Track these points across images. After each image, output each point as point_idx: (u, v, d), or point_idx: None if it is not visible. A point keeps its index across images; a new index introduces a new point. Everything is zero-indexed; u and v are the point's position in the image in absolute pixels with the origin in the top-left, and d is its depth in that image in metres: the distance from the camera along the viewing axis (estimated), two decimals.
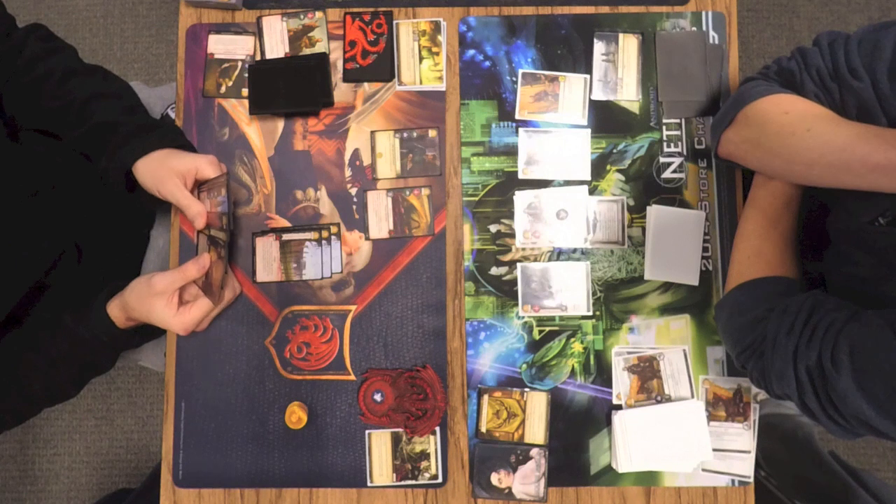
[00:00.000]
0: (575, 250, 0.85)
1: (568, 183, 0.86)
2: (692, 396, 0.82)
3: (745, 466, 0.81)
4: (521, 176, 0.86)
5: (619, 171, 0.86)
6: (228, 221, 0.79)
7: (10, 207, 0.76)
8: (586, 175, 0.86)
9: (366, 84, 0.88)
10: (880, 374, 0.55)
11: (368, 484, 0.83)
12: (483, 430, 0.83)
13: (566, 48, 0.87)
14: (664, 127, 0.86)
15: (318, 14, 0.89)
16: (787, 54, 0.74)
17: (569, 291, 0.84)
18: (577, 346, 0.84)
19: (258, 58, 0.88)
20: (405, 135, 0.87)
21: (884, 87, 0.62)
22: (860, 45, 0.65)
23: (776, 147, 0.67)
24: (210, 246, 0.80)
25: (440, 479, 0.83)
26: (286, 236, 0.86)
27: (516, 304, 0.84)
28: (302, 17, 0.88)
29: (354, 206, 0.87)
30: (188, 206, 0.78)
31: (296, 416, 0.81)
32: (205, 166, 0.79)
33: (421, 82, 0.88)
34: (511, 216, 0.86)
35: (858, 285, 0.67)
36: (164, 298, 0.76)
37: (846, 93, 0.65)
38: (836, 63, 0.66)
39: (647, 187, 0.86)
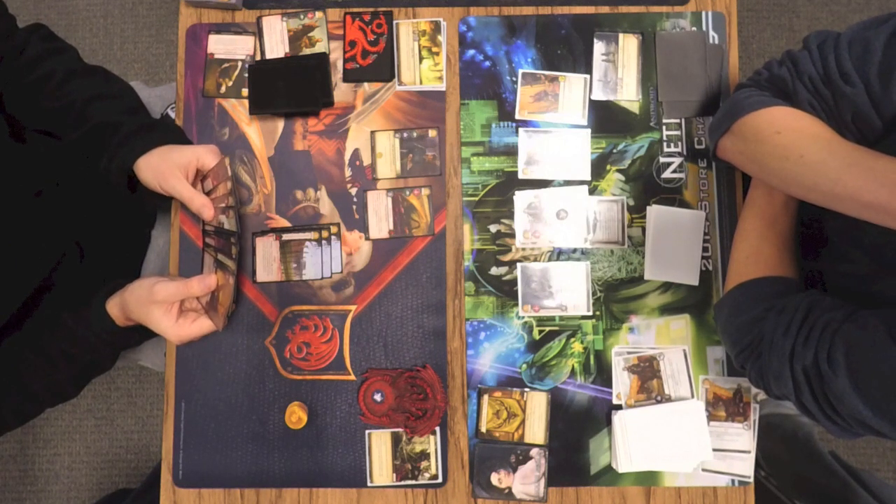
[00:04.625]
0: (575, 250, 0.85)
1: (568, 183, 0.86)
2: (692, 396, 0.82)
3: (745, 466, 0.81)
4: (521, 176, 0.86)
5: (619, 171, 0.86)
6: (234, 194, 0.79)
7: (14, 207, 0.76)
8: (586, 175, 0.86)
9: (366, 84, 0.88)
10: (876, 375, 0.55)
11: (368, 484, 0.83)
12: (483, 430, 0.83)
13: (566, 48, 0.87)
14: (664, 127, 0.86)
15: (318, 14, 0.89)
16: (778, 57, 0.73)
17: (569, 291, 0.84)
18: (577, 346, 0.84)
19: (258, 58, 0.88)
20: (405, 135, 0.87)
21: (876, 90, 0.61)
22: (851, 47, 0.64)
23: (772, 168, 0.67)
24: (217, 269, 0.81)
25: (440, 479, 0.83)
26: (286, 236, 0.86)
27: (516, 304, 0.84)
28: (302, 17, 0.88)
29: (354, 206, 0.87)
30: (192, 198, 0.78)
31: (296, 416, 0.81)
32: (205, 155, 0.80)
33: (421, 82, 0.88)
34: (511, 216, 0.86)
35: (855, 284, 0.67)
36: (164, 307, 0.76)
37: (839, 99, 0.64)
38: (827, 68, 0.65)
39: (647, 187, 0.86)
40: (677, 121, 0.86)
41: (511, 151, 0.86)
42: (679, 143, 0.86)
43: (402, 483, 0.83)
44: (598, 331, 0.84)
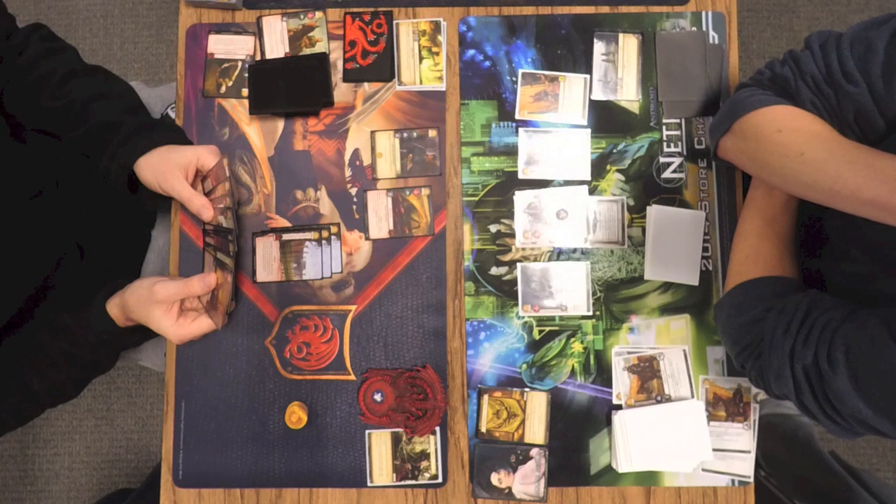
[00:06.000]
0: (575, 250, 0.85)
1: (568, 183, 0.86)
2: (692, 396, 0.82)
3: (745, 466, 0.81)
4: (521, 176, 0.86)
5: (619, 171, 0.86)
6: (232, 195, 0.79)
7: (14, 208, 0.76)
8: (586, 175, 0.86)
9: (366, 84, 0.88)
10: (876, 373, 0.55)
11: (368, 484, 0.83)
12: (483, 430, 0.83)
13: (566, 48, 0.87)
14: (664, 127, 0.86)
15: (318, 14, 0.89)
16: (780, 57, 0.73)
17: (569, 291, 0.84)
18: (577, 346, 0.84)
19: (258, 58, 0.88)
20: (405, 135, 0.87)
21: (879, 89, 0.62)
22: (852, 46, 0.64)
23: (772, 166, 0.67)
24: (217, 268, 0.81)
25: (440, 479, 0.83)
26: (286, 236, 0.86)
27: (516, 304, 0.84)
28: (302, 17, 0.88)
29: (354, 206, 0.87)
30: (190, 199, 0.78)
31: (296, 416, 0.81)
32: (205, 155, 0.80)
33: (421, 82, 0.88)
34: (511, 216, 0.86)
35: (855, 283, 0.67)
36: (164, 307, 0.76)
37: (842, 98, 0.64)
38: (829, 68, 0.65)
39: (647, 187, 0.86)
40: (677, 121, 0.86)
41: (511, 151, 0.86)
42: (679, 143, 0.86)
43: (402, 483, 0.83)
44: (598, 331, 0.84)
